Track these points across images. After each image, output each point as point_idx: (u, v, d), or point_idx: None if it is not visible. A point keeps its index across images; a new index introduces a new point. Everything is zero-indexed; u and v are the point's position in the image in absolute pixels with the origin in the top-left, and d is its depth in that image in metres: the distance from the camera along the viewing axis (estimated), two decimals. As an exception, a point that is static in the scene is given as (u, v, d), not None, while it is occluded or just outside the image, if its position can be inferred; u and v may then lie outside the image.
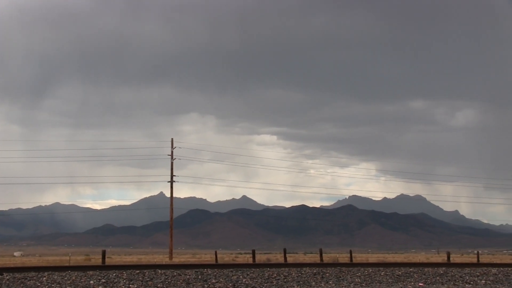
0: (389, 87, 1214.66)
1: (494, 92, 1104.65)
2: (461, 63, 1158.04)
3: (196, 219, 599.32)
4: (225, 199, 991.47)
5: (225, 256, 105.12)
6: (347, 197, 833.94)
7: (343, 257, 76.24)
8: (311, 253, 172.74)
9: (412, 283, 30.24)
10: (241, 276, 30.47)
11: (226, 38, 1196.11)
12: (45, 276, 29.29)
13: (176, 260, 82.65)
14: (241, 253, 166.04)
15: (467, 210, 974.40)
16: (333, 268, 33.73)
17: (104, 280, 28.63)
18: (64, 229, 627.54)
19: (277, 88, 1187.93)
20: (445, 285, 30.03)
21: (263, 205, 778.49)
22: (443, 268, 34.77)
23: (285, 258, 53.07)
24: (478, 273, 33.23)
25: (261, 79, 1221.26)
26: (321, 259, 52.28)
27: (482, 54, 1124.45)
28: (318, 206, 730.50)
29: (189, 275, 30.30)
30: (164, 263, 54.56)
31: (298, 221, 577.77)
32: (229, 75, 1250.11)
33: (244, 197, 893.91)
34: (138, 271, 31.19)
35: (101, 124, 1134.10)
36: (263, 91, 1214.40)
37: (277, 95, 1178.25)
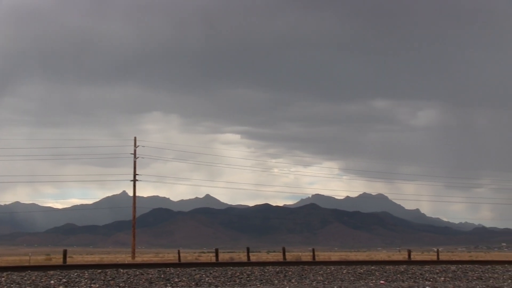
0: (353, 87, 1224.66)
1: (454, 92, 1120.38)
2: (423, 64, 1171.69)
3: (159, 218, 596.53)
4: (188, 198, 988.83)
5: (188, 255, 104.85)
6: (310, 196, 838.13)
7: (306, 256, 76.57)
8: (274, 251, 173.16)
9: (374, 281, 30.50)
10: (204, 275, 30.42)
11: (191, 37, 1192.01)
12: (3, 277, 28.85)
13: (139, 259, 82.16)
14: (204, 252, 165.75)
15: (428, 209, 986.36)
16: (295, 267, 33.84)
17: (65, 280, 28.34)
18: (25, 229, 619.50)
19: (242, 87, 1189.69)
20: (406, 282, 30.36)
21: (226, 204, 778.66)
22: (404, 266, 35.14)
23: (248, 256, 53.08)
24: (437, 270, 33.66)
25: (226, 78, 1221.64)
26: (284, 258, 52.42)
27: (443, 55, 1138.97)
28: (281, 205, 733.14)
29: (152, 274, 30.15)
30: (126, 262, 54.19)
31: (262, 220, 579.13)
32: (193, 74, 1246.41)
33: (207, 196, 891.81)
34: (100, 271, 30.92)
35: (63, 123, 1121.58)
36: (227, 90, 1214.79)
37: (242, 94, 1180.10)
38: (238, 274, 31.04)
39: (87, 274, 29.74)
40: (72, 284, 27.74)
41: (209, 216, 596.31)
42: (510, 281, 31.28)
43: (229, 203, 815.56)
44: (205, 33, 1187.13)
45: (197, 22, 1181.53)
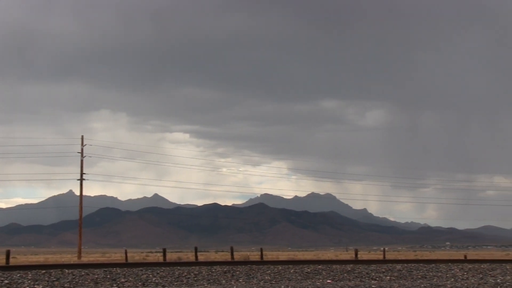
0: (302, 87, 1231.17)
1: (402, 94, 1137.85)
2: (372, 64, 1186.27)
3: (107, 217, 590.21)
4: (136, 198, 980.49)
5: (136, 255, 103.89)
6: (258, 196, 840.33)
7: (254, 255, 76.72)
8: (223, 251, 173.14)
9: (321, 280, 30.70)
10: (151, 275, 30.18)
11: (140, 35, 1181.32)
12: None
13: (85, 259, 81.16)
14: (152, 252, 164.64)
15: (375, 208, 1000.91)
16: (243, 266, 33.85)
17: (7, 281, 27.74)
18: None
19: (191, 86, 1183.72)
20: (353, 281, 30.64)
21: (175, 204, 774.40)
22: (351, 265, 35.47)
23: (196, 256, 52.89)
24: (383, 269, 34.07)
25: (175, 77, 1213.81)
26: (232, 257, 52.40)
27: (391, 56, 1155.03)
28: (230, 204, 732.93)
29: (98, 275, 29.77)
30: (72, 262, 53.43)
31: (210, 219, 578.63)
32: (142, 72, 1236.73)
33: (156, 195, 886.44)
34: (44, 271, 30.38)
35: (8, 121, 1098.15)
36: (176, 89, 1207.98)
37: (191, 93, 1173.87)
38: (185, 274, 30.90)
39: (30, 275, 29.18)
40: (14, 286, 27.17)
41: (157, 216, 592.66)
42: (453, 279, 31.86)
43: (178, 202, 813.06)
44: (154, 31, 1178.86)
45: (146, 20, 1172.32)
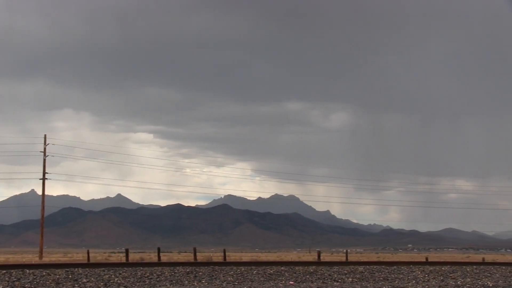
0: (267, 89, 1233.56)
1: (366, 96, 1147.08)
2: (337, 67, 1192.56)
3: (69, 217, 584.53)
4: (99, 198, 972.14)
5: (98, 255, 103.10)
6: (222, 197, 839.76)
7: (217, 256, 76.63)
8: (186, 252, 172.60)
9: (283, 282, 30.76)
10: (113, 276, 29.95)
11: (104, 34, 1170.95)
12: None
13: (47, 259, 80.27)
14: (114, 252, 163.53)
15: (338, 210, 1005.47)
16: (206, 267, 33.78)
17: (-33, 281, 27.30)
18: None
19: (155, 87, 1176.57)
20: (315, 283, 30.76)
21: (138, 204, 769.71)
22: (313, 267, 35.59)
23: (159, 257, 52.70)
24: (346, 271, 34.28)
25: (139, 77, 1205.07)
26: (195, 258, 52.32)
27: (355, 58, 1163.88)
28: (193, 205, 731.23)
29: (59, 275, 29.43)
30: (33, 262, 52.77)
31: (173, 220, 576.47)
32: (106, 71, 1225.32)
33: (119, 195, 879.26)
34: (4, 271, 29.95)
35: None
36: (140, 89, 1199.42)
37: (155, 94, 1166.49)
38: (148, 274, 30.73)
39: (-10, 275, 28.75)
40: (-26, 285, 26.74)
41: (120, 216, 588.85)
42: (414, 281, 32.18)
43: (141, 203, 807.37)
44: (118, 31, 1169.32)
45: (111, 20, 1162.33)
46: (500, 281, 33.02)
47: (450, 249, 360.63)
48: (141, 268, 32.89)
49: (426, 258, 64.09)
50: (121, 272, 30.98)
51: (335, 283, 31.01)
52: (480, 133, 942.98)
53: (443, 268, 37.08)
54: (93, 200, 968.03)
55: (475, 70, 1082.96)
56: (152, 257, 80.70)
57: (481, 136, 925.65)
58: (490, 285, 31.50)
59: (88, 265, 34.05)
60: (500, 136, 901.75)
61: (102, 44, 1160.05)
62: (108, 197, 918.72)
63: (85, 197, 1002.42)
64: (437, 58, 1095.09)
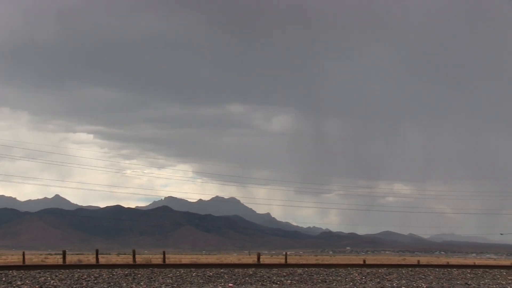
0: (210, 90, 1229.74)
1: (308, 100, 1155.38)
2: (280, 70, 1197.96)
3: (4, 218, 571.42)
4: (36, 198, 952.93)
5: (34, 257, 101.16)
6: (163, 199, 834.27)
7: (157, 258, 76.09)
8: (125, 254, 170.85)
9: (223, 284, 30.79)
10: (49, 278, 29.45)
11: (44, 32, 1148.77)
12: None
13: (-20, 261, 78.31)
14: (51, 254, 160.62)
15: (278, 213, 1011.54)
16: (145, 269, 33.59)
17: None
18: None
19: (96, 86, 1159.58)
20: (254, 285, 30.88)
21: (77, 205, 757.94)
22: (253, 269, 35.73)
23: (97, 259, 52.01)
24: (285, 273, 34.51)
25: (79, 76, 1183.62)
26: (134, 260, 51.84)
27: (298, 62, 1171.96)
28: (133, 207, 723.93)
29: (-7, 277, 28.78)
30: (-34, 264, 51.42)
31: (113, 221, 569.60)
32: (45, 70, 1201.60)
33: (57, 196, 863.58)
34: None
35: None
36: (81, 88, 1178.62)
37: (96, 93, 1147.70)
38: (85, 276, 30.34)
39: None
40: None
41: (58, 217, 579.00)
42: (351, 283, 32.62)
43: (80, 204, 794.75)
44: (59, 29, 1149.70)
45: (52, 17, 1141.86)
46: (434, 283, 33.77)
47: (387, 252, 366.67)
48: (78, 270, 32.45)
49: (364, 261, 64.93)
50: (57, 274, 30.49)
51: (274, 285, 31.18)
52: (418, 138, 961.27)
53: (380, 271, 37.68)
54: (30, 201, 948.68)
55: (413, 74, 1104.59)
56: (90, 259, 79.66)
57: (419, 141, 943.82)
58: (424, 287, 32.22)
59: (23, 267, 33.39)
60: (437, 141, 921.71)
61: (42, 42, 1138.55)
62: (46, 198, 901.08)
63: (22, 197, 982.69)
64: (377, 63, 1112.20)
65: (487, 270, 40.06)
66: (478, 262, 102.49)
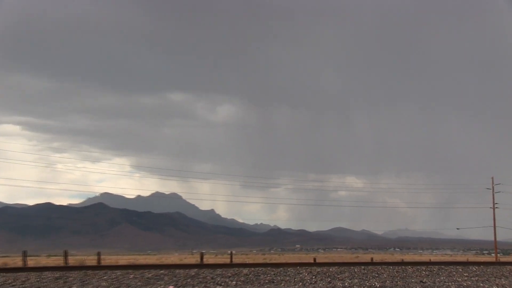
0: (148, 79, 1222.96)
1: (254, 90, 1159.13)
2: (226, 58, 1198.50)
3: None
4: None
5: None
6: (98, 195, 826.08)
7: (91, 259, 75.40)
8: (56, 255, 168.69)
9: (162, 286, 30.64)
10: (-31, 283, 28.87)
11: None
12: None
13: None
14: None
15: (223, 209, 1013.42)
16: (77, 272, 33.19)
17: None
18: None
19: (24, 74, 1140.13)
20: (196, 287, 30.82)
21: (2, 203, 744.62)
22: (195, 270, 35.64)
23: (25, 261, 51.24)
24: (230, 274, 34.50)
25: (5, 63, 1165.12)
26: (66, 262, 51.23)
27: (245, 50, 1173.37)
28: (65, 204, 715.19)
29: None
30: None
31: (43, 220, 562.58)
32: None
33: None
34: None
35: None
36: (5, 77, 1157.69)
37: (23, 82, 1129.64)
38: (10, 281, 29.85)
39: None
40: None
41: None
42: (301, 283, 32.81)
43: (6, 201, 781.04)
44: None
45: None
46: (387, 281, 34.22)
47: (339, 249, 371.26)
48: (3, 274, 31.91)
49: (314, 259, 65.56)
50: (-20, 279, 29.91)
51: (218, 286, 31.17)
52: (370, 129, 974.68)
53: (331, 269, 37.98)
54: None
55: (366, 65, 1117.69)
56: (17, 261, 78.42)
57: (371, 132, 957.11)
58: (378, 285, 32.62)
59: None
60: (390, 133, 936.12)
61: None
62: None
63: None
64: (329, 52, 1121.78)
65: (442, 266, 40.77)
66: (433, 258, 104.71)
